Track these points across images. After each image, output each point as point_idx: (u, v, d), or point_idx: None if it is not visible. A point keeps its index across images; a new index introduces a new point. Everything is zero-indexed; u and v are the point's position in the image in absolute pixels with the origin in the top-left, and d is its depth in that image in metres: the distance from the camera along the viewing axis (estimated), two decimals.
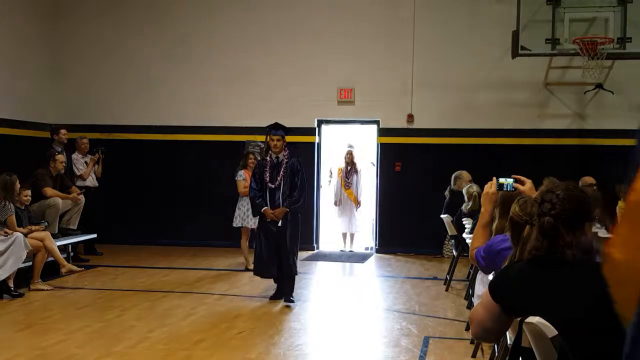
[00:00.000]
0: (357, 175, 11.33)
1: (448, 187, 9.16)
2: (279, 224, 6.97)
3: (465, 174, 8.96)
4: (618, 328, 2.26)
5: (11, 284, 7.15)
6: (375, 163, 11.39)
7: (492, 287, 2.54)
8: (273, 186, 6.98)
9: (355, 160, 11.32)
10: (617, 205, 8.88)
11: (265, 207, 6.98)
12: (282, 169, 7.02)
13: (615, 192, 8.87)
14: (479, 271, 4.46)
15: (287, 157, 7.09)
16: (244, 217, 8.91)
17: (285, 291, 7.10)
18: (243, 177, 8.90)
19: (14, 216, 7.54)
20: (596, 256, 2.39)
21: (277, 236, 7.02)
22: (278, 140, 7.02)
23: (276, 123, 7.10)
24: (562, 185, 2.54)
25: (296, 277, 7.23)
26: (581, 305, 2.32)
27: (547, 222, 2.44)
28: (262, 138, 11.15)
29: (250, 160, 9.02)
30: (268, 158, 7.13)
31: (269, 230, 7.04)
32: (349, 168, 11.29)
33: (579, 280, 2.37)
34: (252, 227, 8.66)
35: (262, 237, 7.11)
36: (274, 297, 7.19)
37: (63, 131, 9.83)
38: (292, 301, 6.99)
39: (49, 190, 8.82)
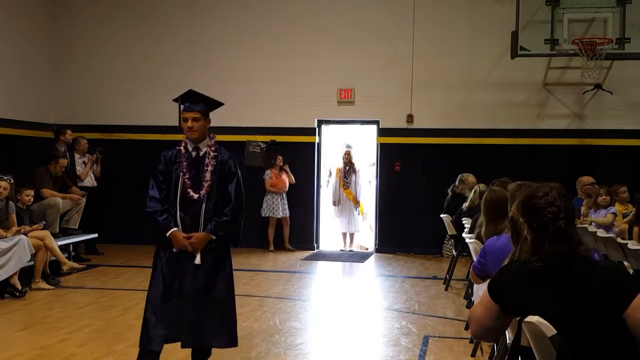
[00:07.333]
0: (355, 175, 11.37)
1: (452, 185, 9.09)
2: (197, 260, 4.19)
3: (470, 179, 8.84)
4: (617, 327, 2.29)
5: (17, 283, 7.16)
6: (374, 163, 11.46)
7: (492, 286, 2.56)
8: (196, 197, 4.25)
9: (354, 160, 11.36)
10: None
11: (174, 229, 4.21)
12: (209, 168, 4.30)
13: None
14: None
15: (214, 150, 4.36)
16: (271, 208, 10.82)
17: None
18: (269, 176, 10.87)
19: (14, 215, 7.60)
20: (593, 254, 2.41)
21: (192, 282, 4.20)
22: (195, 119, 4.30)
23: (190, 91, 4.42)
24: (555, 187, 2.55)
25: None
26: (580, 305, 2.34)
27: (561, 225, 2.45)
28: (262, 138, 11.27)
29: (277, 161, 10.84)
30: (182, 149, 4.37)
31: (176, 269, 4.22)
32: (347, 168, 11.33)
33: (578, 280, 2.39)
34: (278, 216, 10.89)
35: (160, 281, 4.23)
36: None
37: (69, 131, 9.89)
38: None
39: (46, 191, 8.85)
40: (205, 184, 4.26)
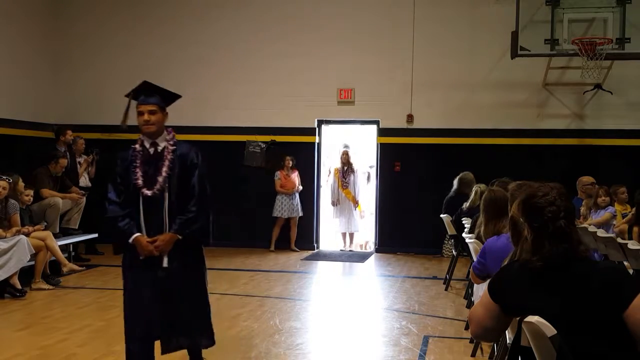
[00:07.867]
0: (354, 175, 11.38)
1: (453, 187, 9.04)
2: (164, 263, 4.01)
3: (471, 178, 8.77)
4: (617, 327, 2.29)
5: (17, 284, 7.16)
6: (372, 166, 11.47)
7: (491, 286, 2.56)
8: (150, 193, 4.03)
9: (352, 160, 11.37)
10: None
11: (137, 235, 4.01)
12: (166, 164, 4.07)
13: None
14: None
15: (172, 144, 4.16)
16: (279, 209, 10.94)
17: None
18: (278, 177, 10.94)
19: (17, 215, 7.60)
20: (593, 254, 2.42)
21: (164, 286, 4.03)
22: (151, 112, 4.08)
23: (144, 82, 4.20)
24: (556, 187, 2.55)
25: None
26: (581, 305, 2.34)
27: (561, 225, 2.45)
28: (262, 138, 11.26)
29: (286, 162, 10.86)
30: (138, 146, 4.17)
31: (145, 277, 4.03)
32: (345, 168, 11.34)
33: (578, 280, 2.39)
34: (284, 216, 10.96)
35: (131, 290, 4.09)
36: None
37: (69, 132, 9.89)
38: None
39: (45, 191, 8.85)
40: (160, 179, 4.02)
